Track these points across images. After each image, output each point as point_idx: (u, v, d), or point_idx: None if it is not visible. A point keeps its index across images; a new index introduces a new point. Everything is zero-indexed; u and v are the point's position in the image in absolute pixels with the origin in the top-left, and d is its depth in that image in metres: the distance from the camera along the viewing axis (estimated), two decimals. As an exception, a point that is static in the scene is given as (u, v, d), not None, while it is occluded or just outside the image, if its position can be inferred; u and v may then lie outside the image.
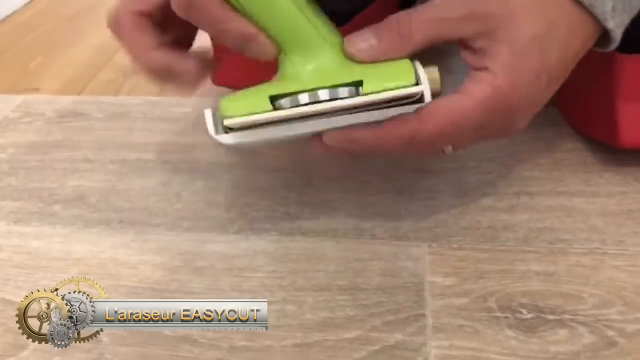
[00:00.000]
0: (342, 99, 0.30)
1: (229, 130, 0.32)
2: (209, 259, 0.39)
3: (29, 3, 0.87)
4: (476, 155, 0.47)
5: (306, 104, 0.30)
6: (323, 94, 0.30)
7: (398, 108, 0.32)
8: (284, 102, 0.31)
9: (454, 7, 0.31)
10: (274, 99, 0.31)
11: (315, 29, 0.32)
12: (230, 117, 0.31)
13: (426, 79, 0.31)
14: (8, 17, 0.83)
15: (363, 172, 0.46)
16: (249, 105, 0.31)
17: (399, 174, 0.46)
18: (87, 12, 0.84)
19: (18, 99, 0.61)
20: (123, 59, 0.69)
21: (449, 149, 0.35)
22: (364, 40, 0.31)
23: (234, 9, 0.31)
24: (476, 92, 0.31)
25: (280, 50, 0.32)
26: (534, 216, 0.41)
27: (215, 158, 0.49)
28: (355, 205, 0.43)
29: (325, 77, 0.31)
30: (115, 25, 0.34)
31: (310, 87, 0.30)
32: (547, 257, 0.38)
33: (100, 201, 0.45)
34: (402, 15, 0.31)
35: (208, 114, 0.32)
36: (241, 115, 0.31)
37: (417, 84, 0.31)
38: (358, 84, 0.31)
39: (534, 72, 0.31)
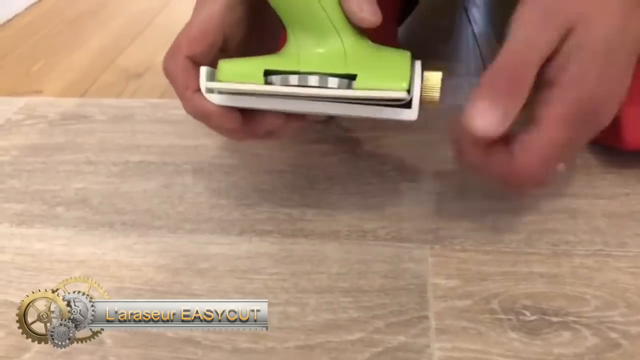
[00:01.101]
0: (328, 88, 0.31)
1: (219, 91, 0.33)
2: (211, 261, 0.39)
3: (30, 6, 0.87)
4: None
5: (294, 85, 0.31)
6: (312, 80, 0.31)
7: (386, 108, 0.32)
8: (274, 78, 0.31)
9: (543, 36, 0.30)
10: (267, 73, 0.31)
11: (325, 13, 0.32)
12: (222, 81, 0.32)
13: (418, 87, 0.31)
14: (10, 20, 0.83)
15: (365, 174, 0.46)
16: (242, 74, 0.32)
17: (401, 176, 0.46)
18: (89, 15, 0.84)
19: (20, 101, 0.61)
20: (125, 61, 0.70)
21: (560, 166, 0.35)
22: (492, 115, 0.30)
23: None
24: (553, 117, 0.30)
25: (287, 25, 0.32)
26: (537, 218, 0.41)
27: (218, 160, 0.49)
28: (357, 207, 0.43)
29: (322, 63, 0.31)
30: (166, 67, 0.34)
31: (304, 69, 0.31)
32: (550, 259, 0.38)
33: (103, 203, 0.45)
34: (502, 69, 0.30)
35: (202, 70, 0.33)
36: (231, 81, 0.32)
37: (408, 90, 0.31)
38: (351, 77, 0.31)
39: (603, 71, 0.30)
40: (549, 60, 0.30)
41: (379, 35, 0.34)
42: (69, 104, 0.60)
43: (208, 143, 0.52)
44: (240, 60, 0.32)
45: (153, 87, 0.64)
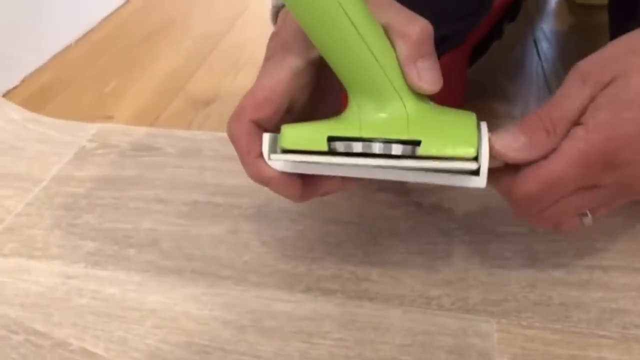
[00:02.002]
0: (393, 156, 0.31)
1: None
2: (277, 319, 0.40)
3: (102, 21, 0.90)
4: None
5: (358, 154, 0.31)
6: (376, 147, 0.31)
7: (452, 176, 0.32)
8: (338, 144, 0.32)
9: (585, 89, 0.31)
10: (330, 139, 0.32)
11: (387, 77, 0.32)
12: (285, 147, 0.32)
13: (486, 154, 0.31)
14: (82, 37, 0.85)
15: (430, 231, 0.46)
16: (305, 140, 0.32)
17: (466, 236, 0.46)
18: (160, 32, 0.86)
19: (93, 128, 0.63)
20: (193, 87, 0.71)
21: (587, 219, 0.36)
22: (515, 139, 0.32)
23: (309, 44, 0.32)
24: (568, 149, 0.31)
25: (349, 89, 0.33)
26: (607, 294, 0.40)
27: (284, 204, 0.50)
28: (422, 269, 0.43)
29: (386, 129, 0.31)
30: (230, 130, 0.35)
31: (368, 135, 0.31)
32: (621, 344, 0.37)
33: (172, 247, 0.47)
34: (541, 112, 0.32)
35: (265, 137, 0.33)
36: (295, 149, 0.32)
37: (476, 157, 0.31)
38: (415, 143, 0.31)
39: (635, 122, 0.31)
40: (585, 107, 0.32)
41: (450, 80, 0.34)
42: (140, 133, 0.62)
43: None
44: (302, 125, 0.33)
45: (221, 115, 0.65)
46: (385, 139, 0.31)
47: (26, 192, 0.54)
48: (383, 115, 0.32)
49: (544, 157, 0.32)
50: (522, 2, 0.64)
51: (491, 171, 0.32)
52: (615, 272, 0.42)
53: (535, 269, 0.42)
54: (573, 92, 0.32)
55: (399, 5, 0.33)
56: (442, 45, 0.53)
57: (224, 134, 0.60)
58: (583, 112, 0.31)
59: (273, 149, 0.34)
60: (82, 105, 0.69)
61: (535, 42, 0.77)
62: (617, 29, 0.56)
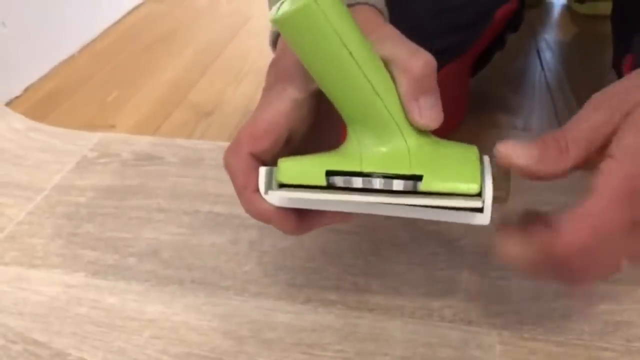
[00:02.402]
0: (394, 192, 0.30)
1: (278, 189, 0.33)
2: (277, 331, 0.40)
3: (105, 31, 0.90)
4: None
5: (358, 189, 0.31)
6: (377, 183, 0.30)
7: (455, 212, 0.31)
8: (337, 179, 0.31)
9: (600, 113, 0.30)
10: (329, 173, 0.31)
11: (388, 112, 0.31)
12: (282, 181, 0.32)
13: (490, 190, 0.30)
14: (87, 45, 0.86)
15: (430, 241, 0.46)
16: (303, 175, 0.31)
17: (468, 247, 0.45)
18: (163, 42, 0.86)
19: (95, 137, 0.63)
20: (195, 97, 0.71)
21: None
22: (524, 147, 0.30)
23: (309, 75, 0.31)
24: (604, 186, 0.29)
25: (348, 123, 0.32)
26: (611, 306, 0.40)
27: (284, 215, 0.50)
28: (423, 280, 0.43)
29: (387, 163, 0.31)
30: (227, 161, 0.34)
31: (367, 169, 0.30)
32: (624, 357, 0.37)
33: (173, 257, 0.46)
34: (557, 132, 0.30)
35: (262, 171, 0.33)
36: (293, 184, 0.31)
37: (479, 193, 0.30)
38: (417, 178, 0.30)
39: None
40: (610, 136, 0.29)
41: (452, 90, 0.33)
42: (142, 142, 0.62)
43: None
44: (300, 158, 0.32)
45: (222, 125, 0.65)
46: (385, 173, 0.30)
47: (28, 201, 0.54)
48: (384, 149, 0.31)
49: (554, 174, 0.30)
50: (524, 13, 0.64)
51: (519, 233, 0.31)
52: (619, 284, 0.42)
53: (538, 280, 0.42)
54: (587, 116, 0.30)
55: (401, 37, 0.32)
56: (444, 55, 0.53)
57: (226, 143, 0.60)
58: (601, 138, 0.30)
59: (269, 183, 0.33)
60: (85, 114, 0.69)
61: (538, 52, 0.77)
62: (620, 39, 0.56)
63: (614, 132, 0.29)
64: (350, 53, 0.30)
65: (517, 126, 0.61)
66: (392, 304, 0.41)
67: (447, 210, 0.31)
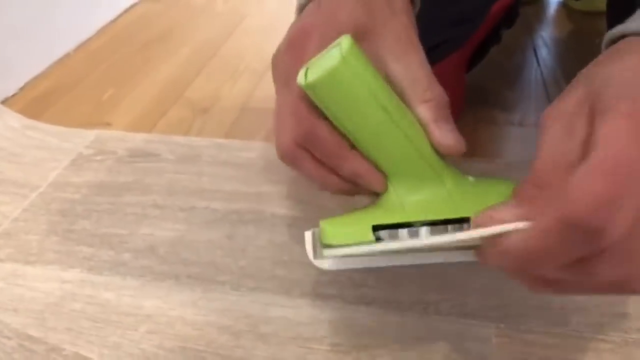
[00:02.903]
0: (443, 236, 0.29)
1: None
2: (273, 325, 0.40)
3: (102, 28, 0.90)
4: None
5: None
6: (422, 232, 0.30)
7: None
8: (382, 233, 0.30)
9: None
10: (375, 229, 0.30)
11: (424, 158, 0.31)
12: (330, 244, 0.31)
13: None
14: (82, 43, 0.86)
15: (428, 236, 0.46)
16: (350, 234, 0.31)
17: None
18: (159, 40, 0.86)
19: (91, 134, 0.63)
20: (192, 94, 0.71)
21: None
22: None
23: (348, 140, 0.31)
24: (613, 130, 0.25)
25: (387, 173, 0.32)
26: (608, 299, 0.40)
27: (280, 210, 0.50)
28: (419, 275, 0.43)
29: (430, 209, 0.30)
30: (288, 159, 0.33)
31: (412, 218, 0.30)
32: (621, 348, 0.37)
33: (169, 252, 0.46)
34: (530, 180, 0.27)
35: (308, 236, 0.32)
36: (342, 244, 0.30)
37: None
38: (463, 221, 0.30)
39: None
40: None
41: (448, 85, 0.34)
42: (138, 139, 0.62)
43: (271, 191, 0.52)
44: (342, 219, 0.32)
45: (219, 122, 0.65)
46: (431, 220, 0.30)
47: (23, 198, 0.54)
48: (424, 196, 0.31)
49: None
50: (519, 9, 0.65)
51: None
52: (615, 276, 0.41)
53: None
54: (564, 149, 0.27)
55: (423, 63, 0.33)
56: (441, 49, 0.53)
57: (223, 140, 0.61)
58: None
59: (317, 252, 0.32)
60: (81, 112, 0.69)
61: (534, 48, 0.77)
62: (615, 34, 0.56)
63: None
64: (384, 108, 0.30)
65: (514, 122, 0.61)
66: (389, 297, 0.41)
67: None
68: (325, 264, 0.32)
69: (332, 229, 0.31)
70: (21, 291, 0.44)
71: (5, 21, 0.72)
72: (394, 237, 0.30)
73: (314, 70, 0.30)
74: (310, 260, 0.32)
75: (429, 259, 0.32)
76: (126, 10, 0.96)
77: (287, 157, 0.33)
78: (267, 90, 0.70)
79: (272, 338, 0.39)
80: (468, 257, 0.30)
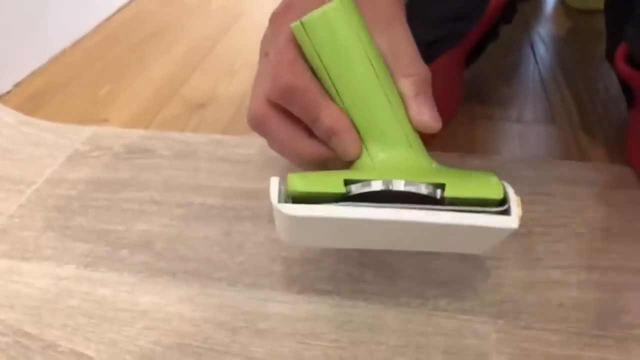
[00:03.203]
0: (416, 203, 0.29)
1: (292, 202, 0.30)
2: (270, 321, 0.39)
3: (97, 26, 0.90)
4: (545, 220, 0.46)
5: (378, 195, 0.29)
6: (397, 184, 0.29)
7: (482, 216, 0.29)
8: (354, 187, 0.30)
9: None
10: (346, 183, 0.30)
11: (400, 127, 0.31)
12: (297, 191, 0.29)
13: (514, 194, 0.30)
14: (78, 40, 0.85)
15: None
16: (320, 183, 0.30)
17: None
18: (155, 37, 0.86)
19: (88, 131, 0.63)
20: (188, 91, 0.71)
21: None
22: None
23: (330, 97, 0.31)
24: None
25: (362, 136, 0.32)
26: (607, 295, 0.40)
27: (278, 207, 0.49)
28: (417, 270, 0.42)
29: (403, 174, 0.30)
30: (258, 121, 0.33)
31: (385, 177, 0.30)
32: (621, 344, 0.37)
33: (166, 248, 0.46)
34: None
35: (274, 182, 0.31)
36: (308, 192, 0.29)
37: (504, 199, 0.30)
38: (439, 186, 0.29)
39: None
40: None
41: (446, 81, 0.34)
42: (134, 135, 0.61)
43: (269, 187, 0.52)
44: (313, 173, 0.31)
45: (215, 118, 0.64)
46: (407, 180, 0.29)
47: (19, 195, 0.53)
48: (399, 162, 0.31)
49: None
50: (517, 5, 0.64)
51: None
52: (614, 272, 0.41)
53: (533, 270, 0.42)
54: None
55: (409, 38, 0.33)
56: (439, 46, 0.53)
57: (219, 136, 0.60)
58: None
59: (281, 198, 0.30)
60: (77, 109, 0.68)
61: (532, 46, 0.76)
62: (614, 29, 0.55)
63: None
64: (371, 62, 0.30)
65: (511, 118, 0.61)
66: (387, 293, 0.41)
67: (473, 215, 0.29)
68: (290, 209, 0.29)
69: (300, 178, 0.30)
70: (17, 287, 0.43)
71: (0, 18, 0.72)
72: (367, 187, 0.29)
73: (309, 15, 0.30)
74: (275, 208, 0.30)
75: (400, 216, 0.29)
76: (122, 8, 0.96)
77: (257, 119, 0.33)
78: (264, 87, 0.70)
79: (270, 334, 0.39)
80: (448, 219, 0.29)
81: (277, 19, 0.35)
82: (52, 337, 0.39)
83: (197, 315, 0.40)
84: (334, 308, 0.40)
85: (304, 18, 0.31)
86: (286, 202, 0.30)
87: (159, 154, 0.58)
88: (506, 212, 0.30)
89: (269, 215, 0.48)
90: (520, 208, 0.29)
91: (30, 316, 0.41)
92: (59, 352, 0.38)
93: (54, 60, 0.80)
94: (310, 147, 0.33)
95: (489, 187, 0.30)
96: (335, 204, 0.29)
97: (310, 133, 0.33)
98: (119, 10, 0.95)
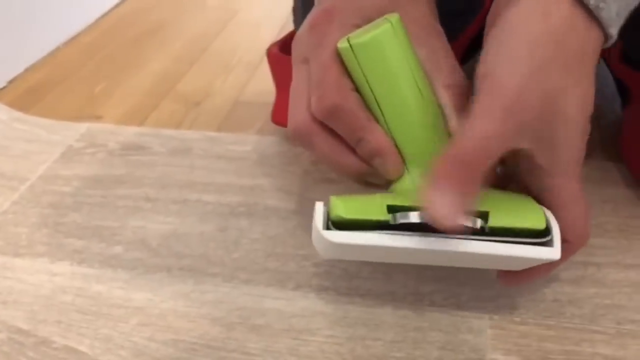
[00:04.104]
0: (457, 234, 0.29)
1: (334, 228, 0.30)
2: (266, 317, 0.39)
3: (93, 24, 0.89)
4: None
5: (416, 227, 0.29)
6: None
7: (526, 247, 0.30)
8: (399, 215, 0.29)
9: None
10: (389, 209, 0.30)
11: (444, 147, 0.31)
12: (341, 217, 0.29)
13: (556, 226, 0.30)
14: (72, 38, 0.85)
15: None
16: (364, 210, 0.30)
17: (459, 234, 0.45)
18: (150, 35, 0.86)
19: (82, 127, 0.62)
20: (183, 88, 0.70)
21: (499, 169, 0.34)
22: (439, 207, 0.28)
23: (375, 118, 0.31)
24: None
25: (405, 160, 0.32)
26: (601, 290, 0.40)
27: (273, 203, 0.49)
28: (413, 266, 0.42)
29: None
30: (302, 137, 0.33)
31: None
32: (616, 339, 0.37)
33: (161, 245, 0.46)
34: (454, 155, 0.29)
35: (319, 207, 0.30)
36: (352, 219, 0.29)
37: (547, 228, 0.30)
38: (481, 214, 0.30)
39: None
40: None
41: None
42: (129, 132, 0.61)
43: (264, 184, 0.52)
44: (354, 196, 0.31)
45: (211, 115, 0.64)
46: None
47: (12, 191, 0.53)
48: None
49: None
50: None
51: None
52: (609, 268, 0.42)
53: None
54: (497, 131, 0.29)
55: (438, 38, 0.34)
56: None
57: (215, 133, 0.60)
58: None
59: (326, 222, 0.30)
60: (71, 106, 0.68)
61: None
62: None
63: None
64: (417, 84, 0.31)
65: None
66: (383, 289, 0.41)
67: (515, 246, 0.30)
68: (335, 236, 0.29)
69: (344, 203, 0.30)
70: (10, 284, 0.43)
71: (-6, 13, 0.72)
72: (404, 218, 0.29)
73: (359, 36, 0.30)
74: (317, 232, 0.30)
75: (444, 246, 0.29)
76: (117, 4, 0.95)
77: (302, 133, 0.33)
78: (260, 84, 0.70)
79: (265, 330, 0.38)
80: (491, 249, 0.30)
81: (319, 26, 0.33)
82: (46, 333, 0.39)
83: (192, 311, 0.40)
84: (330, 304, 0.40)
85: (353, 40, 0.30)
86: (328, 225, 0.30)
87: (154, 150, 0.58)
88: (548, 242, 0.30)
89: (264, 212, 0.48)
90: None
91: (23, 312, 0.40)
92: (52, 348, 0.38)
93: (49, 56, 0.80)
94: (353, 163, 0.33)
95: (531, 216, 0.30)
96: (377, 232, 0.29)
97: (353, 149, 0.33)
98: (114, 7, 0.94)
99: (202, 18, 0.91)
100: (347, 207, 0.29)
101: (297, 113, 0.33)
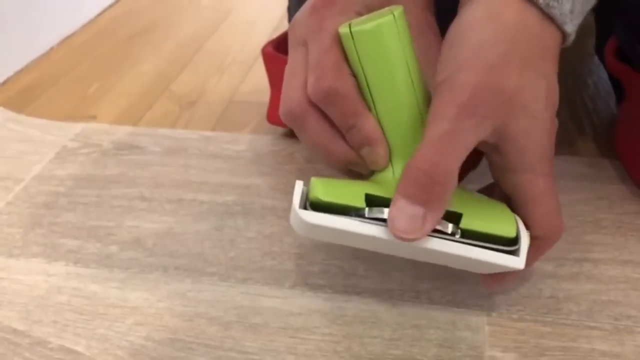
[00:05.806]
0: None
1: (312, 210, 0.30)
2: (263, 315, 0.39)
3: (86, 24, 0.89)
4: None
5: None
6: None
7: (490, 252, 0.31)
8: (375, 210, 0.30)
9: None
10: (367, 197, 0.30)
11: None
12: (319, 199, 0.30)
13: (526, 236, 0.31)
14: (66, 38, 0.85)
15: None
16: (342, 194, 0.30)
17: (456, 231, 0.45)
18: (144, 35, 0.85)
19: (76, 127, 0.62)
20: (178, 88, 0.70)
21: None
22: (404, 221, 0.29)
23: (368, 107, 0.31)
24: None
25: (391, 151, 0.32)
26: (598, 287, 0.40)
27: (269, 201, 0.49)
28: (411, 263, 0.42)
29: None
30: (296, 117, 0.33)
31: None
32: (612, 335, 0.37)
33: (157, 244, 0.46)
34: (417, 169, 0.30)
35: (298, 186, 0.31)
36: (330, 202, 0.30)
37: (517, 237, 0.31)
38: (454, 215, 0.30)
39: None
40: None
41: None
42: (123, 132, 0.61)
43: (259, 182, 0.52)
44: (336, 180, 0.31)
45: (206, 115, 0.64)
46: None
47: (6, 191, 0.53)
48: None
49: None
50: None
51: None
52: (605, 264, 0.42)
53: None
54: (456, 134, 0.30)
55: (432, 35, 0.34)
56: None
57: (209, 133, 0.60)
58: None
59: (302, 204, 0.31)
60: (65, 106, 0.68)
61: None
62: (603, 24, 0.56)
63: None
64: (412, 78, 0.31)
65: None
66: (380, 286, 0.41)
67: (481, 250, 0.31)
68: (309, 216, 0.30)
69: (323, 185, 0.30)
70: (5, 284, 0.43)
71: (-13, 13, 0.71)
72: (379, 214, 0.29)
73: (361, 24, 0.30)
74: (294, 210, 0.30)
75: (404, 251, 0.31)
76: (110, 6, 0.95)
77: (295, 114, 0.33)
78: (254, 83, 0.70)
79: (262, 329, 0.38)
80: (447, 258, 0.31)
81: (321, 10, 0.33)
82: (42, 333, 0.39)
83: (189, 310, 0.40)
84: (327, 302, 0.40)
85: (355, 27, 0.30)
86: (306, 205, 0.31)
87: (148, 150, 0.57)
88: (515, 251, 0.31)
89: (260, 211, 0.48)
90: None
91: (18, 313, 0.40)
92: (48, 349, 0.37)
93: (42, 57, 0.79)
94: (342, 151, 0.33)
95: (503, 223, 0.31)
96: (350, 218, 0.30)
97: (343, 136, 0.33)
98: (108, 8, 0.94)
99: (195, 18, 0.91)
100: (326, 190, 0.30)
101: (293, 95, 0.33)
